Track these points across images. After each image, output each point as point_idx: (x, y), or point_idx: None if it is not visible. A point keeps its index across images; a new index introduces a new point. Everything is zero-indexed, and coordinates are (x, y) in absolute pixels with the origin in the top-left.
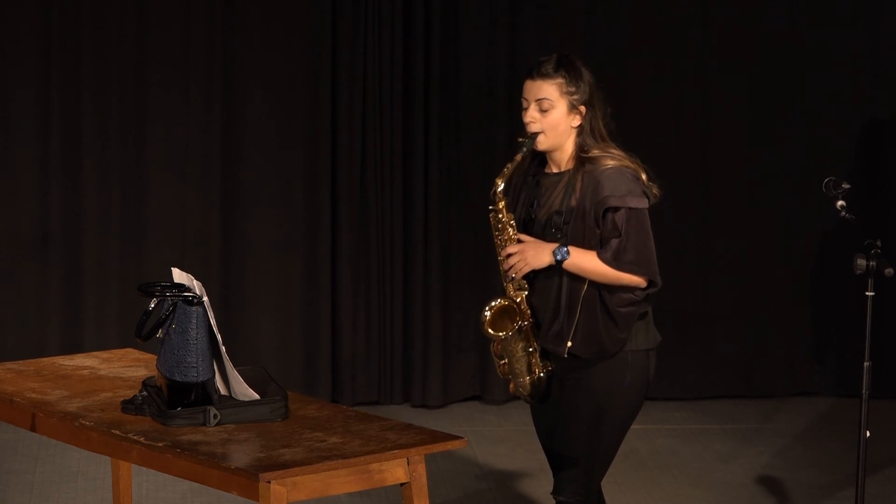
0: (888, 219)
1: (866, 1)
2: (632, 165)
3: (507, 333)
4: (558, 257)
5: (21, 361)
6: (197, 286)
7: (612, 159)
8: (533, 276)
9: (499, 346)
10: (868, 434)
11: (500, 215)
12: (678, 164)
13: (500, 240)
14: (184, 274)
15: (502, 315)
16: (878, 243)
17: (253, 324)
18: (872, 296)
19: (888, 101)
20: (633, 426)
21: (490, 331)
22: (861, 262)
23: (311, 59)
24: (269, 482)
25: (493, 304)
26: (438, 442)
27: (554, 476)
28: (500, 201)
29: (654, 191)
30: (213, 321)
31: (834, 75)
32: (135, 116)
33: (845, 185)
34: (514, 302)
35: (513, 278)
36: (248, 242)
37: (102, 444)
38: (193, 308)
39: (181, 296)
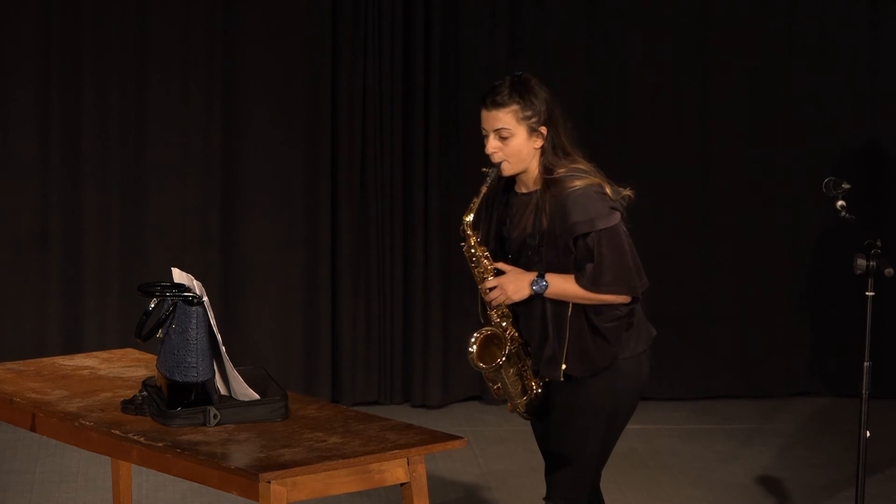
0: (888, 219)
1: (866, 1)
2: (596, 181)
3: (498, 363)
4: (537, 289)
5: (21, 361)
6: (197, 286)
7: (576, 179)
8: (516, 302)
9: (490, 372)
10: (868, 434)
11: (473, 249)
12: (678, 164)
13: (477, 272)
14: (184, 274)
15: (488, 344)
16: (878, 243)
17: (253, 324)
18: (872, 296)
19: (888, 101)
20: (633, 426)
21: (480, 364)
22: (861, 262)
23: (311, 60)
24: (269, 482)
25: (477, 335)
26: (438, 442)
27: (546, 480)
28: (472, 236)
29: (627, 192)
30: (213, 321)
31: (834, 75)
32: (135, 116)
33: (845, 185)
34: (500, 328)
35: (496, 307)
36: (248, 242)
37: (102, 444)
38: (193, 308)
39: (181, 296)
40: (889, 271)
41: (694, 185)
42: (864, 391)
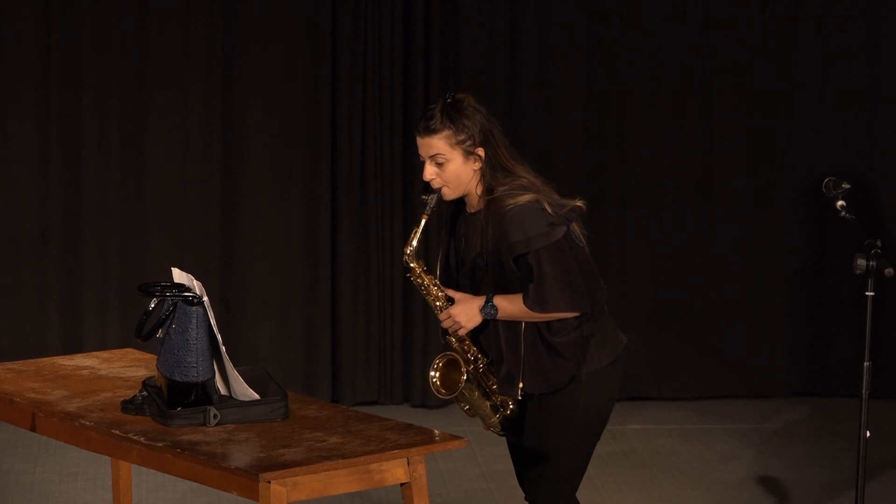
0: (888, 219)
1: (866, 1)
2: (534, 197)
3: (459, 388)
4: (486, 315)
5: (21, 361)
6: (197, 286)
7: (514, 196)
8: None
9: (456, 396)
10: (868, 434)
11: (420, 279)
12: (678, 164)
13: (429, 300)
14: (184, 274)
15: (450, 369)
16: (878, 243)
17: (253, 324)
18: (872, 296)
19: (888, 100)
20: (633, 426)
21: (443, 391)
22: (861, 262)
23: (311, 59)
24: (269, 482)
25: (437, 363)
26: (438, 442)
27: (524, 493)
28: (416, 266)
29: (578, 204)
30: (213, 321)
31: (833, 75)
32: (135, 116)
33: (845, 185)
34: (461, 351)
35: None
36: (248, 242)
37: (102, 444)
38: (193, 308)
39: (181, 296)
40: (889, 271)
41: (694, 184)
42: (864, 391)
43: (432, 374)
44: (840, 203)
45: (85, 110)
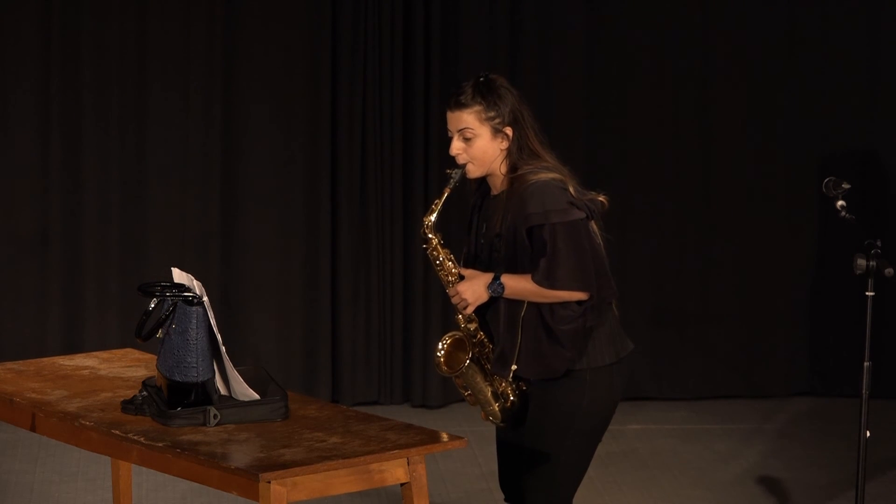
0: (888, 219)
1: (866, 1)
2: (559, 176)
3: (461, 368)
4: (493, 293)
5: (21, 361)
6: (197, 286)
7: (539, 173)
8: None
9: (459, 377)
10: (868, 434)
11: (436, 252)
12: (678, 164)
13: (441, 275)
14: (184, 274)
15: (457, 348)
16: (878, 243)
17: (253, 324)
18: (872, 296)
19: (888, 100)
20: (633, 426)
21: (445, 368)
22: (861, 262)
23: (311, 59)
24: (269, 482)
25: (445, 340)
26: (438, 442)
27: (505, 496)
28: (434, 238)
29: (601, 198)
30: (213, 321)
31: (833, 75)
32: (135, 116)
33: (845, 185)
34: (468, 332)
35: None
36: (248, 242)
37: (102, 444)
38: (193, 308)
39: (181, 296)
40: (889, 271)
41: (694, 184)
42: (864, 391)
43: (439, 346)
44: (840, 203)
45: (85, 111)
